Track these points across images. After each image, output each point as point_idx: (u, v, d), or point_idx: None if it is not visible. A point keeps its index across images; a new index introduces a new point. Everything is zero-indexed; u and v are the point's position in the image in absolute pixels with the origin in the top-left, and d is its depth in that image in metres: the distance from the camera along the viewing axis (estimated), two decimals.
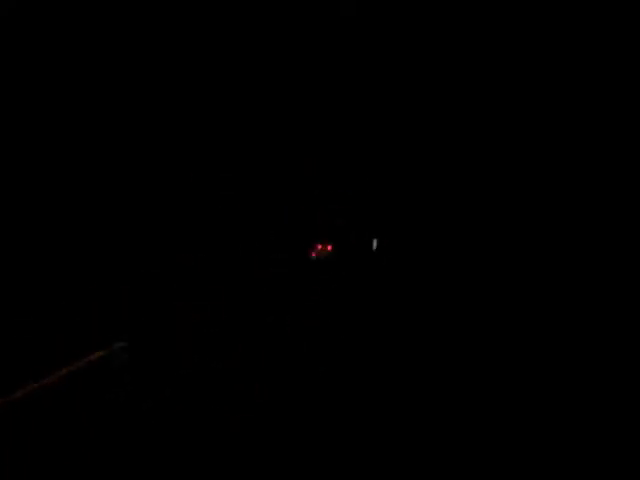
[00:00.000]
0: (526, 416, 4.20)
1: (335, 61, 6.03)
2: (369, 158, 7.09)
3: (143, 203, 6.66)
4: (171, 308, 6.07)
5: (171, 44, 5.69)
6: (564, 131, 5.87)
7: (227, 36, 5.96)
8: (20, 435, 3.63)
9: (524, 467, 3.43)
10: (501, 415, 4.22)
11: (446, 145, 6.39)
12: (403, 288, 6.61)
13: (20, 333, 5.10)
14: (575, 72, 5.47)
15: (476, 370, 5.29)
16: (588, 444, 3.69)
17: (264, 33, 6.06)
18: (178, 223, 6.93)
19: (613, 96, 5.51)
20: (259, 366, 5.16)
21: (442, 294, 6.60)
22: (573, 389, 4.69)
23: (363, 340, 6.09)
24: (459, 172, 6.17)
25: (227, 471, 3.40)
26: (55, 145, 5.55)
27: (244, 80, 6.37)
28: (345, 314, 7.12)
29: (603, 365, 5.18)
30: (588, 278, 6.04)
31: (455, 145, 6.32)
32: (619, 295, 5.89)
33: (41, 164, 5.62)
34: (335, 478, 3.25)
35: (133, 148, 6.38)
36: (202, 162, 6.84)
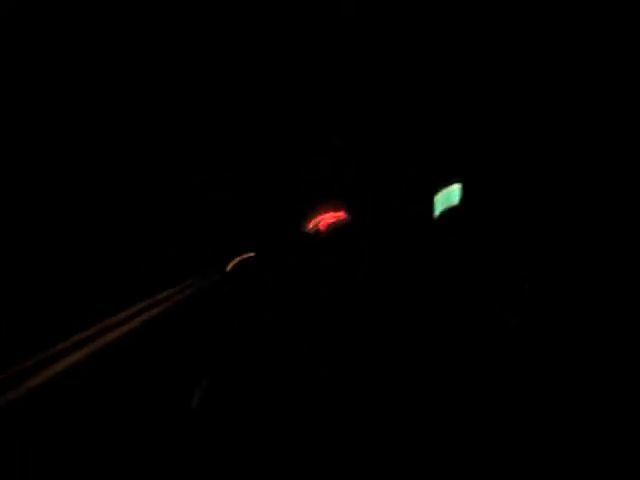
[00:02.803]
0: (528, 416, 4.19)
1: (335, 61, 6.07)
2: (370, 156, 7.13)
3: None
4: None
5: (172, 44, 5.70)
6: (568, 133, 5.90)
7: (226, 36, 5.98)
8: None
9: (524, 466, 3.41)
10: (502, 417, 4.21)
11: (448, 142, 6.42)
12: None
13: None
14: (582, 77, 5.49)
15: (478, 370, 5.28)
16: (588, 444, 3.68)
17: (263, 33, 6.08)
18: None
19: (613, 97, 5.53)
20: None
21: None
22: (573, 388, 4.67)
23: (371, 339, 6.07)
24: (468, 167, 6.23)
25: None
26: (64, 144, 5.56)
27: (243, 80, 6.40)
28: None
29: (603, 364, 5.18)
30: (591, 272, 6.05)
31: (458, 142, 6.36)
32: (619, 295, 5.89)
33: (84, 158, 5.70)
34: (336, 477, 3.23)
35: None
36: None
